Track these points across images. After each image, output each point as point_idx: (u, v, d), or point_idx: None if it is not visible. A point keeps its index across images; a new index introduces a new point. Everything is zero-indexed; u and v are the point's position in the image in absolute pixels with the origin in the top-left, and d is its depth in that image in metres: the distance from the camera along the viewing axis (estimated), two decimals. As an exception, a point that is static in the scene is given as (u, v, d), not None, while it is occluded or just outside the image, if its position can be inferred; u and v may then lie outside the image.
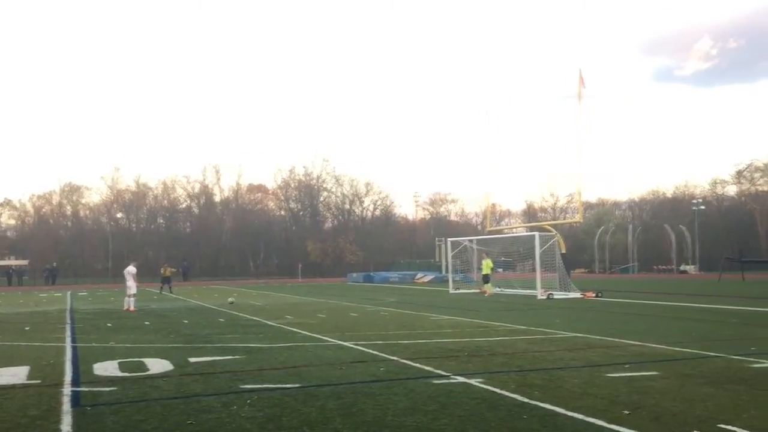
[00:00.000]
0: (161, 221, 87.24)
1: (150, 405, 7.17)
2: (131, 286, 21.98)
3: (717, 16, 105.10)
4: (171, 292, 34.33)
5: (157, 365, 9.80)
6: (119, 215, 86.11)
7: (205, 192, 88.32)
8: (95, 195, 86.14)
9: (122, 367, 9.72)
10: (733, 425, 5.82)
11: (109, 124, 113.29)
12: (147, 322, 17.59)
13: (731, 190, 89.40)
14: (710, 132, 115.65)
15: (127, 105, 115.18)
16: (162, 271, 36.58)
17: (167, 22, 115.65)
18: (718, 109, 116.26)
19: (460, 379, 8.36)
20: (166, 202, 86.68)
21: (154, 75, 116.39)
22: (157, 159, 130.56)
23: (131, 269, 22.54)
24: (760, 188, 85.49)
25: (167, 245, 75.14)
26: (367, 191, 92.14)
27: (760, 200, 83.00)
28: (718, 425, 5.85)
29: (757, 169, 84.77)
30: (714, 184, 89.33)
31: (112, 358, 10.52)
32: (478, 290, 31.82)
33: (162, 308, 23.62)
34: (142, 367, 9.64)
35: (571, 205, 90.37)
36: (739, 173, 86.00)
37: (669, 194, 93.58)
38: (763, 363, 9.37)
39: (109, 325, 17.15)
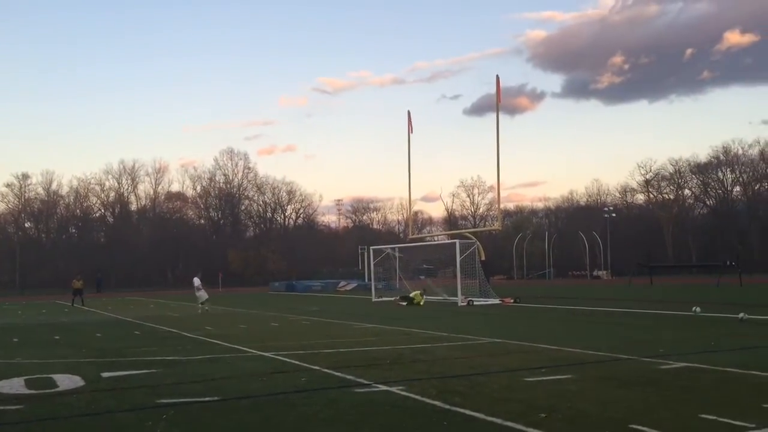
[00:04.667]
0: (73, 231, 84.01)
1: (59, 423, 6.85)
2: (200, 295, 25.26)
3: (629, 33, 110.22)
4: (83, 305, 33.03)
5: (67, 381, 9.37)
6: (27, 225, 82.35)
7: (121, 200, 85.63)
8: (1, 204, 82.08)
9: (29, 384, 9.25)
10: (643, 425, 6.04)
11: (16, 127, 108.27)
12: (57, 337, 16.85)
13: (640, 198, 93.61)
14: (622, 142, 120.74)
15: (34, 109, 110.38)
16: (73, 283, 35.22)
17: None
18: (630, 121, 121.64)
19: (382, 387, 8.36)
20: (78, 211, 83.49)
21: (62, 77, 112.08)
22: (68, 166, 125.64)
23: (196, 281, 25.79)
24: (666, 196, 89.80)
25: (80, 256, 72.27)
26: (290, 199, 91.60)
27: (667, 208, 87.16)
28: (630, 425, 6.06)
29: (663, 178, 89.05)
30: (624, 192, 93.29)
31: (19, 375, 9.99)
32: (393, 299, 31.37)
33: (73, 321, 22.70)
34: (51, 384, 9.19)
35: (491, 213, 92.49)
36: (647, 182, 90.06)
37: (582, 202, 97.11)
38: (672, 364, 9.79)
39: (15, 340, 16.33)
